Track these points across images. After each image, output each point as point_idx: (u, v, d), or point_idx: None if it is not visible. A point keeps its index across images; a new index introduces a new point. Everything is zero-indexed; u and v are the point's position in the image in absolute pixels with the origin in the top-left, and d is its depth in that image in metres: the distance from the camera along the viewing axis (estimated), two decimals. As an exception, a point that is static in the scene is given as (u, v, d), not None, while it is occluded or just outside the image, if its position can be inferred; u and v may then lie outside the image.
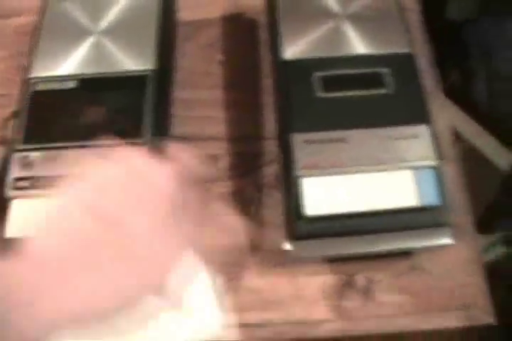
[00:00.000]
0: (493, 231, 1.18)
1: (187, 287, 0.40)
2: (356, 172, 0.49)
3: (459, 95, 1.07)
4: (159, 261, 0.35)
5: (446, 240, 0.47)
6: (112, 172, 0.36)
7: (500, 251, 1.17)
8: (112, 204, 0.34)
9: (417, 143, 0.51)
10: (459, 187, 0.55)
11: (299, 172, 0.48)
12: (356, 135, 0.51)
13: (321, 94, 0.54)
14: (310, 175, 0.48)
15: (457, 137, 0.93)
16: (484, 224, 1.10)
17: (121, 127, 0.54)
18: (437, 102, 0.61)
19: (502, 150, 0.98)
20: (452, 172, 0.56)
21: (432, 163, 0.49)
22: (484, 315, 0.48)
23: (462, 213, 0.53)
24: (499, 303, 1.08)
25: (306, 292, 0.49)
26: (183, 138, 0.58)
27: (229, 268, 0.48)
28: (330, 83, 0.55)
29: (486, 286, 0.49)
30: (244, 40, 0.69)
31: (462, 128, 0.97)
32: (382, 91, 0.54)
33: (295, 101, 0.54)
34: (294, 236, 0.46)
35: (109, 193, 0.35)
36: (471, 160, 0.96)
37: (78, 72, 0.58)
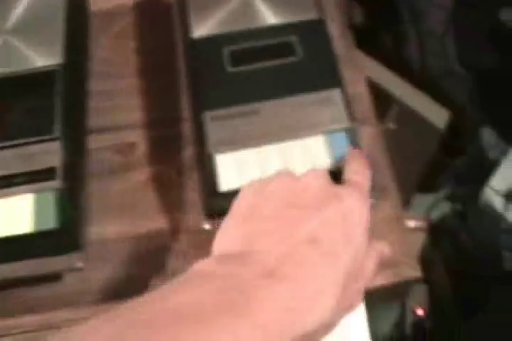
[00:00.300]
0: (438, 189, 1.20)
1: None
2: (269, 143, 0.48)
3: (394, 60, 1.07)
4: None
5: (364, 200, 0.47)
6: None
7: (446, 207, 1.18)
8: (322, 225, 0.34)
9: (329, 107, 0.50)
10: (380, 147, 0.55)
11: (211, 150, 0.48)
12: (268, 106, 0.51)
13: (231, 69, 0.53)
14: (223, 152, 0.48)
15: (391, 98, 0.93)
16: (428, 182, 1.12)
17: (34, 125, 0.53)
18: (353, 65, 0.61)
19: (437, 108, 0.99)
20: (372, 133, 0.55)
21: (344, 125, 0.49)
22: (411, 270, 0.48)
23: (384, 172, 0.53)
24: (446, 258, 1.10)
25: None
26: (101, 130, 0.58)
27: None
28: (239, 57, 0.54)
29: (409, 241, 0.49)
30: (158, 25, 0.68)
31: (395, 90, 0.97)
32: (293, 59, 0.54)
33: (205, 79, 0.53)
34: (211, 214, 0.46)
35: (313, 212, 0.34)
36: (408, 121, 0.96)
37: (-13, 73, 0.56)
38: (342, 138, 0.49)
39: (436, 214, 1.18)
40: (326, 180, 0.37)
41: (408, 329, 1.06)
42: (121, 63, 0.65)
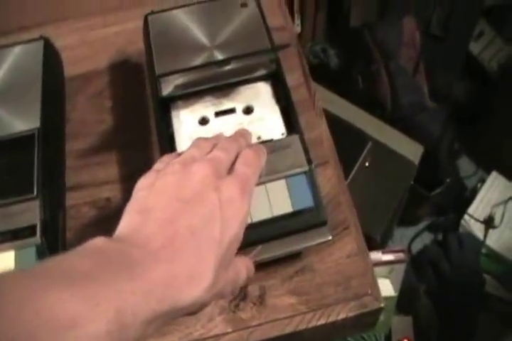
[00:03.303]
0: (418, 221, 1.22)
1: None
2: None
3: (366, 99, 1.12)
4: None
5: (324, 238, 0.50)
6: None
7: (427, 238, 1.21)
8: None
9: (288, 153, 0.54)
10: (341, 187, 0.57)
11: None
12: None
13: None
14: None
15: (365, 136, 0.96)
16: (408, 215, 1.14)
17: (16, 186, 0.56)
18: (315, 110, 0.64)
19: (411, 144, 1.02)
20: (333, 173, 0.58)
21: (303, 169, 0.52)
22: (374, 302, 0.50)
23: (345, 210, 0.56)
24: (429, 288, 1.11)
25: (204, 310, 0.50)
26: (78, 187, 0.61)
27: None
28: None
29: (372, 274, 0.51)
30: (131, 85, 0.72)
31: (368, 127, 1.00)
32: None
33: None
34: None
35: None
36: (382, 157, 0.99)
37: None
38: (302, 181, 0.52)
39: (417, 246, 1.20)
40: (211, 169, 0.41)
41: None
42: (97, 122, 0.69)
